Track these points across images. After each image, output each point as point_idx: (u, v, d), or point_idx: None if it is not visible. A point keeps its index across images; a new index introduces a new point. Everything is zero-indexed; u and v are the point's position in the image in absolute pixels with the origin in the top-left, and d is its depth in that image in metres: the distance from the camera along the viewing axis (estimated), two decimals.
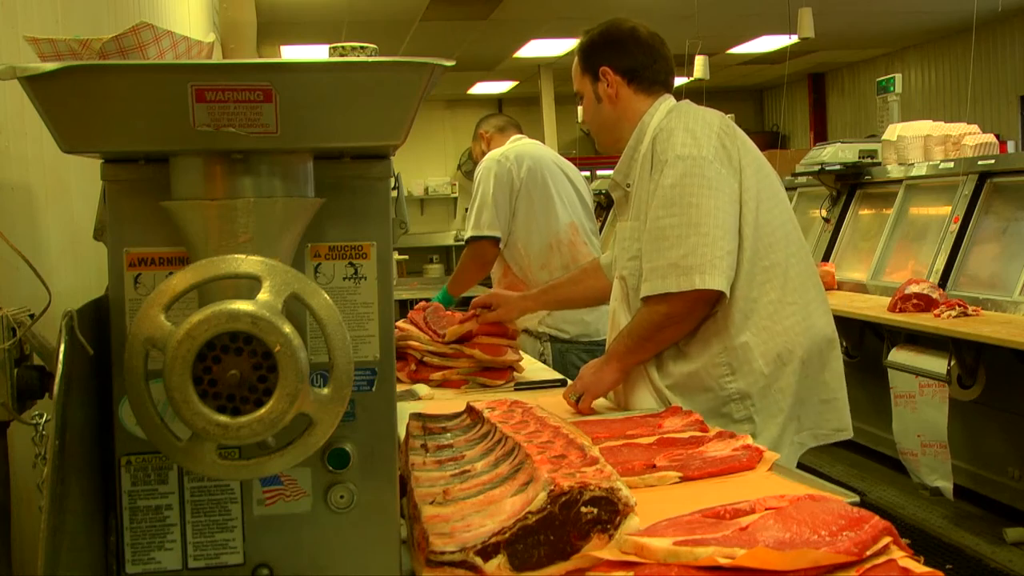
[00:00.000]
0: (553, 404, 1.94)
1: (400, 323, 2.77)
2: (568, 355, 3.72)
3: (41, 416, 1.17)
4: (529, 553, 1.14)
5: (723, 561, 1.08)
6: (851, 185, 6.00)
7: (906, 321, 4.30)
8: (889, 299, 4.60)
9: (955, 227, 4.84)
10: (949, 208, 4.97)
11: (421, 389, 2.57)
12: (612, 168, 2.43)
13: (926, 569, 1.09)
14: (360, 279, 1.26)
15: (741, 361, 2.16)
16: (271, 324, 1.02)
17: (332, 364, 1.07)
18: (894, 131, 5.65)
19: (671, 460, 1.64)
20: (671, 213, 2.14)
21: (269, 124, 1.09)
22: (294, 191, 1.16)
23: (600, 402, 2.30)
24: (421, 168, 13.61)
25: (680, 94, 2.42)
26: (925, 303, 4.36)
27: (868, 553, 1.09)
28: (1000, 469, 4.46)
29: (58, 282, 1.54)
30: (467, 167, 13.18)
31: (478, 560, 1.13)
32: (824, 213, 6.12)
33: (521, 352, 2.84)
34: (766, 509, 1.25)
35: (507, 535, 1.13)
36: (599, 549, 1.14)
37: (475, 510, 1.24)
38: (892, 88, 6.30)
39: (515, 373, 2.72)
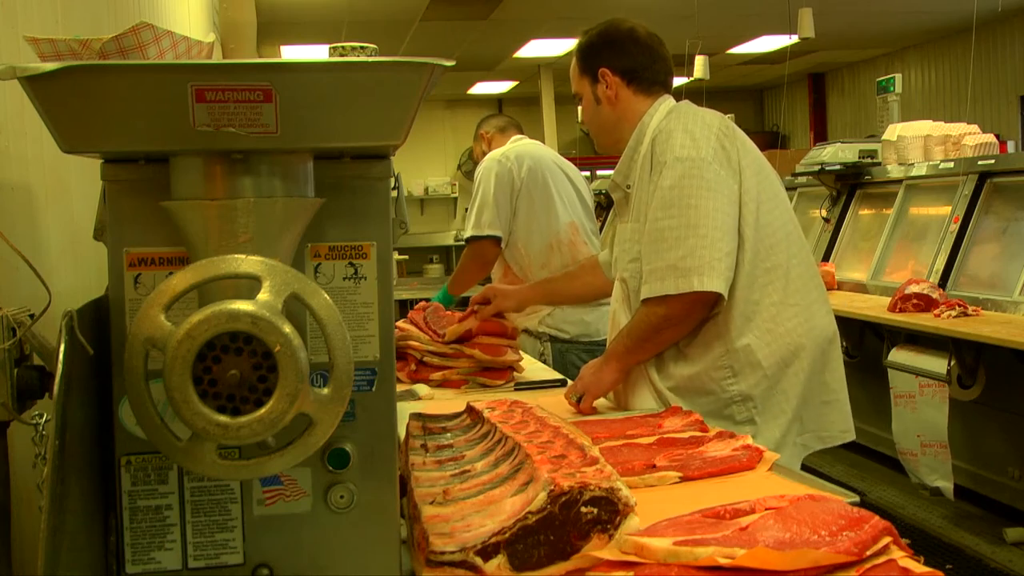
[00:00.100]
0: (553, 404, 1.94)
1: (400, 323, 2.77)
2: (568, 355, 3.72)
3: (41, 416, 1.17)
4: (529, 553, 1.14)
5: (723, 561, 1.08)
6: (851, 185, 6.00)
7: (906, 321, 4.30)
8: (889, 299, 4.60)
9: (955, 227, 4.84)
10: (949, 208, 4.97)
11: (421, 389, 2.57)
12: (612, 168, 2.43)
13: (926, 569, 1.09)
14: (360, 279, 1.26)
15: (743, 363, 2.16)
16: (271, 324, 1.02)
17: (332, 364, 1.07)
18: (894, 131, 5.65)
19: (671, 460, 1.64)
20: (670, 215, 2.13)
21: (269, 124, 1.09)
22: (294, 191, 1.16)
23: (600, 402, 2.30)
24: (421, 168, 13.61)
25: (680, 94, 2.42)
26: (925, 303, 4.36)
27: (868, 553, 1.09)
28: (1000, 469, 4.46)
29: (58, 282, 1.54)
30: (467, 167, 13.18)
31: (478, 560, 1.13)
32: (824, 213, 6.12)
33: (521, 352, 2.84)
34: (766, 509, 1.25)
35: (507, 535, 1.13)
36: (599, 549, 1.14)
37: (475, 510, 1.24)
38: (892, 88, 6.30)
39: (515, 373, 2.72)
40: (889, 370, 4.41)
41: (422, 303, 2.92)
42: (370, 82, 1.12)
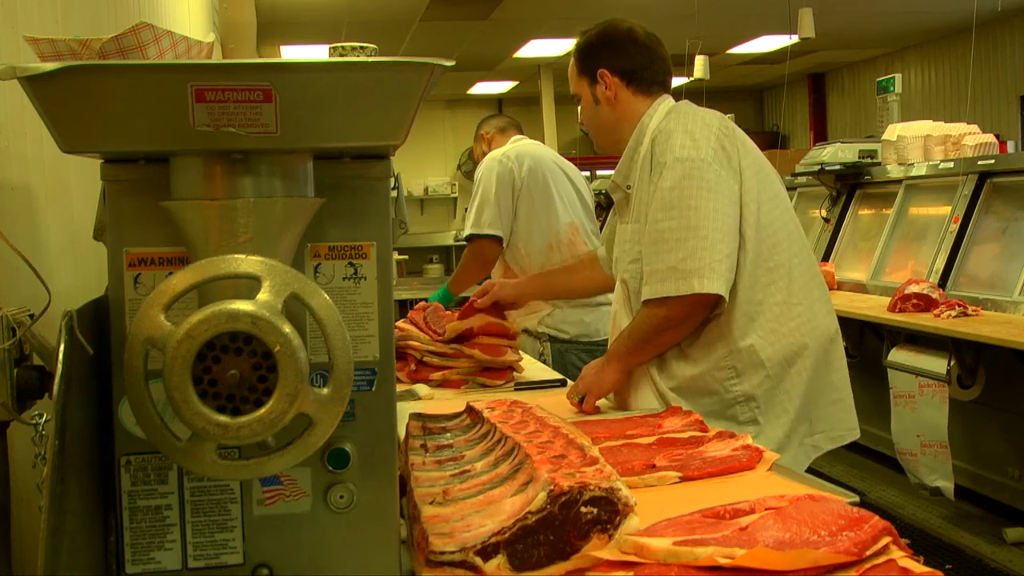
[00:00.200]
0: (553, 404, 1.94)
1: (400, 323, 2.77)
2: (568, 355, 3.72)
3: (41, 416, 1.17)
4: (529, 553, 1.14)
5: (723, 561, 1.08)
6: (851, 185, 6.00)
7: (906, 321, 4.30)
8: (889, 299, 4.60)
9: (955, 227, 4.84)
10: (949, 208, 4.97)
11: (421, 389, 2.57)
12: (612, 168, 2.43)
13: (926, 569, 1.09)
14: (360, 279, 1.26)
15: (746, 364, 2.16)
16: (271, 324, 1.02)
17: (332, 364, 1.07)
18: (894, 131, 5.65)
19: (671, 460, 1.64)
20: (670, 216, 2.13)
21: (269, 124, 1.09)
22: (294, 191, 1.16)
23: (602, 403, 2.30)
24: (421, 168, 13.61)
25: (680, 94, 2.42)
26: (925, 303, 4.36)
27: (868, 553, 1.09)
28: (1000, 469, 4.46)
29: (58, 282, 1.54)
30: (467, 167, 13.18)
31: (478, 560, 1.13)
32: (824, 213, 6.12)
33: (521, 352, 2.84)
34: (766, 509, 1.25)
35: (507, 535, 1.13)
36: (599, 549, 1.14)
37: (475, 510, 1.24)
38: (892, 88, 6.30)
39: (515, 373, 2.72)
40: (889, 370, 4.41)
41: (422, 303, 2.92)
42: (370, 82, 1.12)
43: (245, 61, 1.11)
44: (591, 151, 2.83)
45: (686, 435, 1.80)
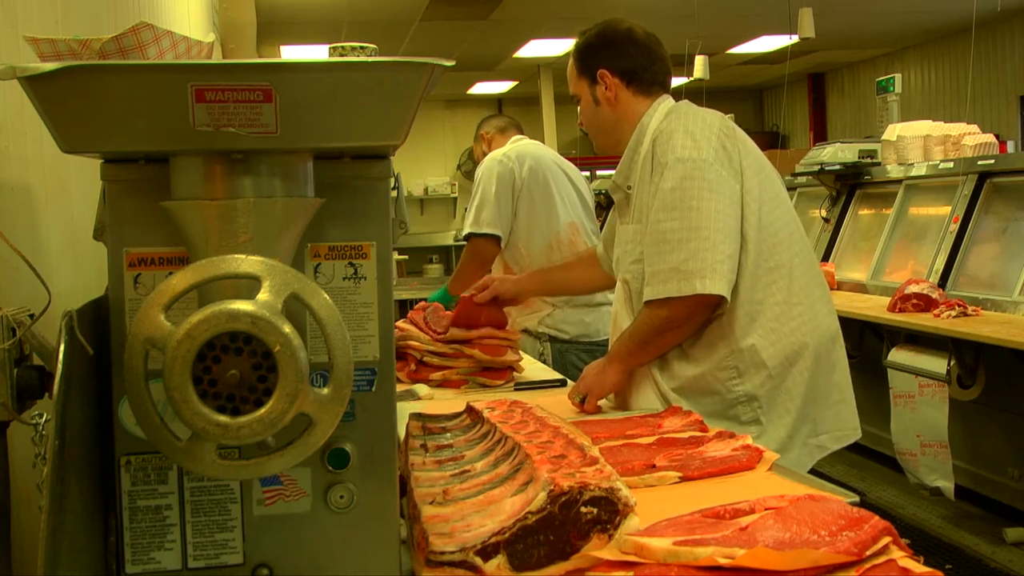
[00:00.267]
0: (553, 404, 1.94)
1: (400, 323, 2.77)
2: (568, 355, 3.72)
3: (41, 416, 1.17)
4: (529, 553, 1.14)
5: (723, 561, 1.08)
6: (851, 185, 6.00)
7: (906, 321, 4.30)
8: (889, 299, 4.60)
9: (955, 227, 4.84)
10: (949, 208, 4.97)
11: (421, 389, 2.57)
12: (612, 168, 2.42)
13: (926, 569, 1.09)
14: (360, 279, 1.26)
15: (748, 364, 2.15)
16: (271, 324, 1.02)
17: (332, 364, 1.07)
18: (894, 131, 5.65)
19: (671, 460, 1.64)
20: (672, 217, 2.13)
21: (269, 124, 1.09)
22: (294, 191, 1.16)
23: (603, 403, 2.30)
24: (421, 168, 13.61)
25: (680, 94, 2.41)
26: (925, 303, 4.36)
27: (868, 553, 1.09)
28: (1000, 469, 4.46)
29: (58, 282, 1.54)
30: (467, 167, 13.18)
31: (478, 560, 1.13)
32: (824, 213, 6.12)
33: (521, 352, 2.84)
34: (766, 509, 1.25)
35: (507, 535, 1.13)
36: (599, 549, 1.14)
37: (475, 510, 1.24)
38: (892, 88, 6.30)
39: (515, 373, 2.72)
40: (889, 370, 4.41)
41: (422, 303, 2.92)
42: (370, 82, 1.12)
43: (245, 61, 1.11)
44: (591, 151, 2.82)
45: (686, 435, 1.80)
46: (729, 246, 2.11)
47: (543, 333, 3.75)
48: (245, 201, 1.12)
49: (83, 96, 1.07)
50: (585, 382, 2.27)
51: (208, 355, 1.03)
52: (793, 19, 7.52)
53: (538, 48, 10.53)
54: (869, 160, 5.75)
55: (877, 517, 1.15)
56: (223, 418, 1.03)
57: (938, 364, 4.12)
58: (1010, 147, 7.59)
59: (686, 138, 2.17)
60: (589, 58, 2.36)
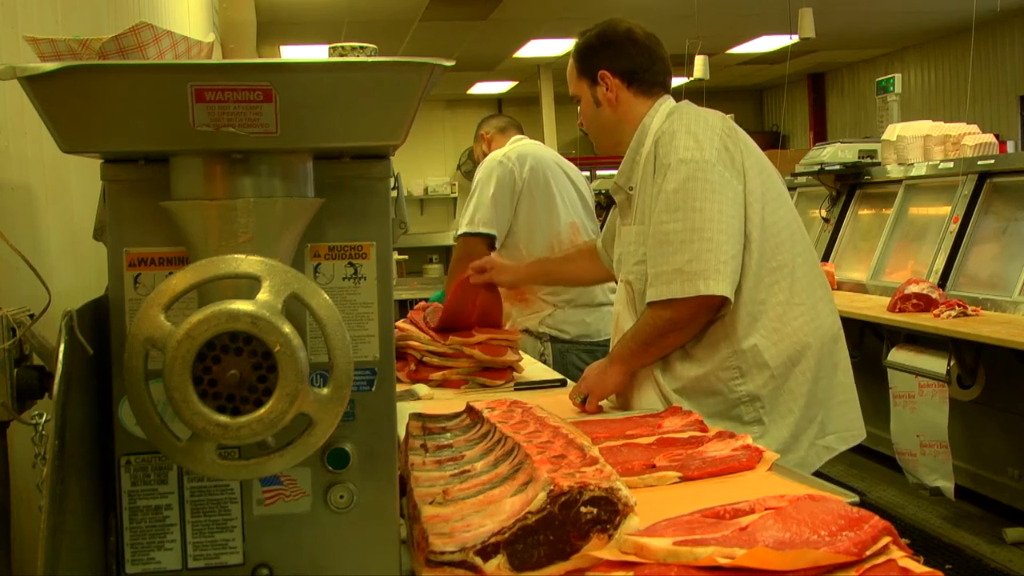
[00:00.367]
0: (553, 404, 1.94)
1: (400, 323, 2.77)
2: (568, 355, 3.72)
3: (41, 416, 1.17)
4: (529, 553, 1.14)
5: (723, 561, 1.08)
6: (851, 185, 6.00)
7: (906, 321, 4.30)
8: (889, 299, 4.60)
9: (955, 227, 4.84)
10: (949, 208, 4.97)
11: (421, 389, 2.57)
12: (612, 168, 2.42)
13: (926, 569, 1.09)
14: (360, 279, 1.26)
15: (750, 364, 2.15)
16: (271, 324, 1.02)
17: (332, 364, 1.07)
18: (894, 131, 5.65)
19: (671, 460, 1.64)
20: (675, 218, 2.13)
21: (269, 124, 1.09)
22: (294, 191, 1.16)
23: (604, 403, 2.30)
24: (421, 168, 13.61)
25: (680, 94, 2.41)
26: (925, 303, 4.36)
27: (868, 553, 1.09)
28: (1000, 469, 4.46)
29: (58, 282, 1.54)
30: (467, 167, 13.18)
31: (478, 560, 1.13)
32: (824, 213, 6.12)
33: (521, 352, 2.84)
34: (766, 509, 1.25)
35: (507, 535, 1.13)
36: (599, 549, 1.14)
37: (475, 510, 1.24)
38: (892, 88, 6.30)
39: (515, 373, 2.72)
40: (889, 370, 4.41)
41: (422, 303, 2.92)
42: (370, 82, 1.12)
43: (245, 61, 1.11)
44: (591, 151, 2.82)
45: (686, 435, 1.80)
46: (732, 247, 2.10)
47: (544, 333, 3.74)
48: (245, 201, 1.12)
49: (83, 96, 1.07)
50: (586, 383, 2.27)
51: (208, 355, 1.03)
52: (793, 19, 7.52)
53: (538, 48, 10.53)
54: (869, 160, 5.75)
55: (877, 517, 1.15)
56: (223, 418, 1.03)
57: (938, 364, 4.12)
58: (1010, 147, 7.59)
59: (688, 139, 2.17)
60: (590, 59, 2.35)
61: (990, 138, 5.32)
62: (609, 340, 2.47)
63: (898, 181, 5.55)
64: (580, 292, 3.67)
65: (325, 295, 1.07)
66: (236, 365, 1.03)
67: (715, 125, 2.21)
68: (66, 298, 1.45)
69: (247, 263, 1.06)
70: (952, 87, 10.95)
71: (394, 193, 1.32)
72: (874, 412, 4.81)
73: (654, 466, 1.61)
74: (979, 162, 4.88)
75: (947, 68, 11.07)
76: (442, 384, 2.63)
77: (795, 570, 1.07)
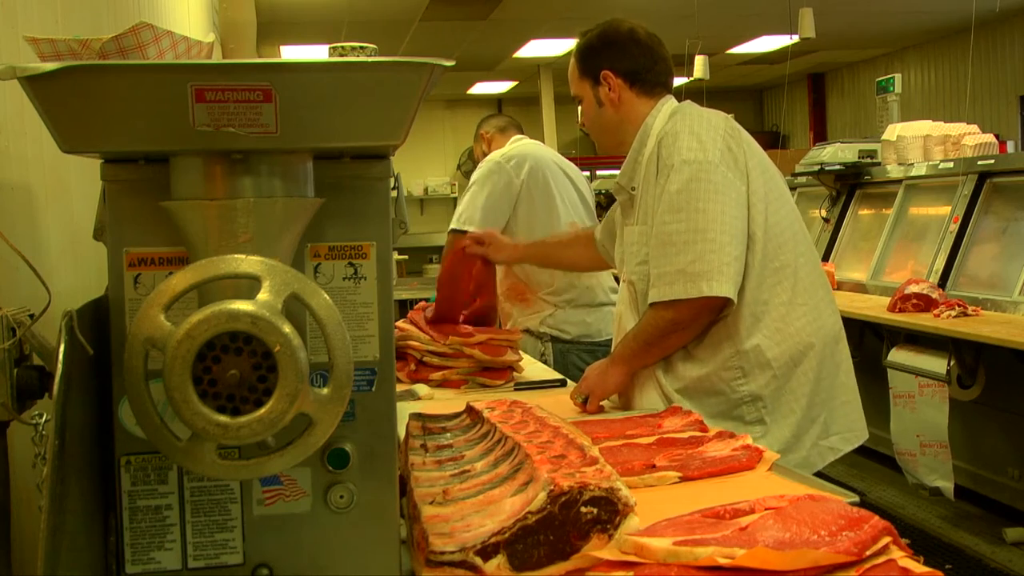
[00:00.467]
0: (553, 404, 1.94)
1: (400, 323, 2.77)
2: (569, 355, 3.71)
3: (41, 416, 1.17)
4: (529, 553, 1.14)
5: (723, 561, 1.08)
6: (851, 185, 6.00)
7: (906, 321, 4.30)
8: (889, 299, 4.60)
9: (955, 227, 4.84)
10: (949, 208, 4.97)
11: (421, 389, 2.57)
12: (613, 168, 2.43)
13: (926, 569, 1.09)
14: (360, 279, 1.26)
15: (753, 364, 2.15)
16: (271, 324, 1.02)
17: (332, 364, 1.07)
18: (894, 131, 5.65)
19: (671, 460, 1.64)
20: (678, 219, 2.12)
21: (269, 124, 1.09)
22: (294, 191, 1.16)
23: (605, 404, 2.30)
24: (421, 168, 13.61)
25: (680, 94, 2.41)
26: (925, 303, 4.36)
27: (868, 553, 1.09)
28: (1000, 469, 4.46)
29: (58, 282, 1.54)
30: (467, 167, 13.17)
31: (478, 560, 1.13)
32: (824, 213, 6.12)
33: (521, 352, 2.84)
34: (766, 509, 1.25)
35: (507, 535, 1.13)
36: (599, 549, 1.14)
37: (475, 510, 1.24)
38: (892, 88, 6.30)
39: (515, 373, 2.72)
40: (889, 370, 4.41)
41: (422, 303, 2.92)
42: (370, 82, 1.12)
43: (245, 61, 1.11)
44: (591, 151, 2.83)
45: (686, 435, 1.80)
46: (735, 248, 2.10)
47: (544, 333, 3.74)
48: (245, 201, 1.12)
49: (83, 96, 1.07)
50: (587, 383, 2.27)
51: (208, 355, 1.03)
52: (793, 19, 7.52)
53: (538, 48, 10.53)
54: (869, 160, 5.75)
55: (877, 517, 1.15)
56: (223, 418, 1.03)
57: (938, 364, 4.12)
58: (1010, 147, 7.59)
59: (691, 140, 2.16)
60: (592, 59, 2.35)
61: (990, 138, 5.32)
62: (610, 340, 2.47)
63: (898, 181, 5.55)
64: (581, 292, 3.67)
65: (325, 295, 1.07)
66: (236, 365, 1.03)
67: (718, 126, 2.21)
68: (66, 298, 1.45)
69: (247, 263, 1.06)
70: (952, 87, 10.95)
71: (394, 193, 1.32)
72: (874, 412, 4.80)
73: (654, 466, 1.61)
74: (979, 162, 4.88)
75: (947, 68, 11.07)
76: (442, 384, 2.63)
77: (795, 570, 1.07)
